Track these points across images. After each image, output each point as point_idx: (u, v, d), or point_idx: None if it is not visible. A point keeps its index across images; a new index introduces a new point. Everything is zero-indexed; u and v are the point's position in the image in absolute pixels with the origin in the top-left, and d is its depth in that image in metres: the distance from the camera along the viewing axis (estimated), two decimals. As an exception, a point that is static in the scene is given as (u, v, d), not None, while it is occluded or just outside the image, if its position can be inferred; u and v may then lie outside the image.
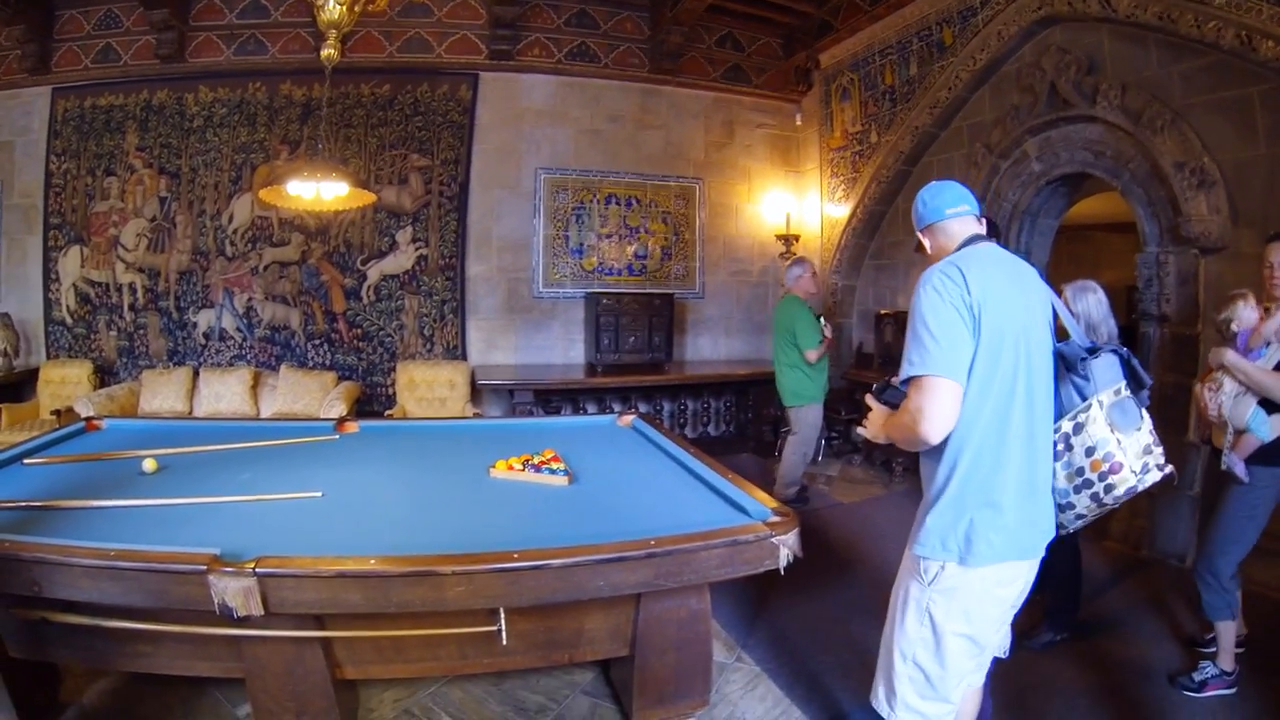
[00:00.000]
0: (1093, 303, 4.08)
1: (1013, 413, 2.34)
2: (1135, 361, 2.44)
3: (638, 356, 8.92)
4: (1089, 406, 2.35)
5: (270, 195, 5.27)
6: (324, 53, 4.55)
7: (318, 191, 4.99)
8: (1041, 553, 2.46)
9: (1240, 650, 4.00)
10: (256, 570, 2.36)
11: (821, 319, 6.83)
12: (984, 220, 2.65)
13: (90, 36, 8.16)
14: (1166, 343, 5.78)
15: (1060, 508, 2.47)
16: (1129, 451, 2.32)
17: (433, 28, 8.63)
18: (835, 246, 9.67)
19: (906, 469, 7.70)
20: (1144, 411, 2.41)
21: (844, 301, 9.71)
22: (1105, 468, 2.32)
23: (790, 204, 10.22)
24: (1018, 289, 2.43)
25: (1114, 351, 2.44)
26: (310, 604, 2.45)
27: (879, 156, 8.80)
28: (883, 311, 8.73)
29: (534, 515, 3.11)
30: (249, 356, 8.51)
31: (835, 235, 9.69)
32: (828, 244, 9.91)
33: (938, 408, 2.28)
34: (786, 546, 2.72)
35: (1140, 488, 2.35)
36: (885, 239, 9.29)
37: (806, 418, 7.01)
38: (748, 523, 2.87)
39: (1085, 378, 2.38)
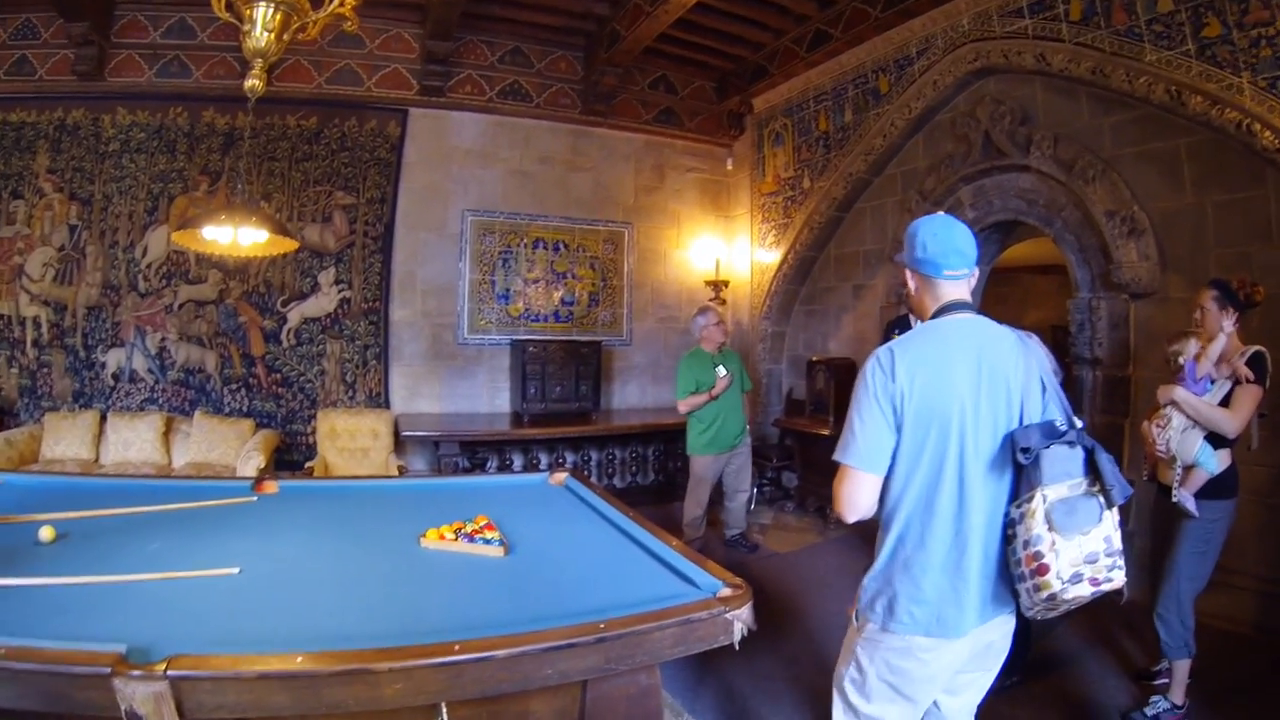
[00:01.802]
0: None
1: (939, 495, 2.42)
2: (1104, 458, 2.29)
3: (565, 405, 9.04)
4: (1031, 498, 2.29)
5: (185, 238, 5.19)
6: (248, 83, 4.40)
7: (235, 236, 4.86)
8: (969, 632, 2.44)
9: (1190, 681, 4.24)
10: (169, 672, 2.10)
11: (719, 366, 6.97)
12: (976, 273, 2.67)
13: (4, 46, 7.91)
14: (1099, 385, 6.22)
15: (1014, 591, 2.44)
16: (1062, 556, 2.23)
17: (364, 59, 8.73)
18: (765, 292, 10.02)
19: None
20: (1106, 515, 2.27)
21: (774, 348, 10.05)
22: (1034, 566, 2.28)
23: (720, 249, 10.55)
24: (966, 369, 2.44)
25: (1079, 444, 2.32)
26: (231, 708, 2.18)
27: (811, 202, 9.19)
28: (814, 358, 8.99)
29: (471, 592, 2.98)
30: (161, 400, 8.25)
31: (765, 281, 10.05)
32: (758, 290, 10.25)
33: (851, 495, 2.49)
34: (741, 620, 2.68)
35: (1066, 598, 2.26)
36: (817, 285, 9.66)
37: (693, 468, 7.25)
38: (700, 598, 2.79)
39: (1034, 466, 2.32)
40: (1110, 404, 6.13)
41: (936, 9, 7.27)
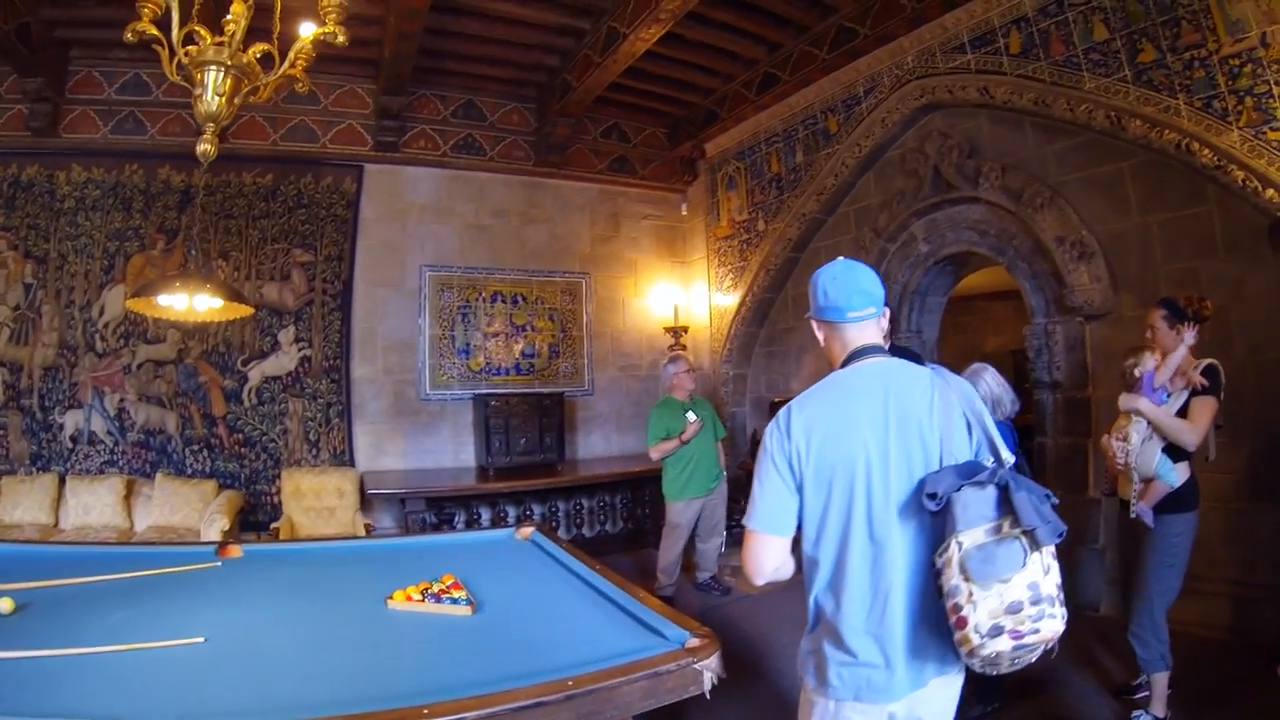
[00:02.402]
0: (991, 382, 4.60)
1: (850, 553, 2.33)
2: (1021, 497, 2.09)
3: (530, 458, 9.09)
4: (948, 547, 2.14)
5: (140, 305, 5.20)
6: (200, 148, 4.32)
7: (190, 303, 4.90)
8: (903, 696, 2.31)
9: (1170, 692, 4.33)
10: None
11: (689, 412, 7.10)
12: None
13: None
14: (1060, 408, 6.40)
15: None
16: (980, 607, 2.06)
17: (318, 115, 8.83)
18: (725, 336, 10.17)
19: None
20: (1033, 559, 2.07)
21: (736, 390, 10.17)
22: (954, 619, 2.12)
23: (678, 295, 10.69)
24: (870, 417, 2.37)
25: (991, 483, 2.16)
26: None
27: (767, 244, 9.39)
28: (776, 399, 9.10)
29: (439, 654, 2.99)
30: (121, 463, 8.06)
31: (724, 324, 10.20)
32: (717, 333, 10.41)
33: (754, 558, 2.44)
34: (710, 670, 2.73)
35: (984, 653, 2.08)
36: (775, 326, 9.83)
37: (669, 514, 7.34)
38: (667, 650, 2.82)
39: (947, 512, 2.17)
40: (1071, 425, 6.31)
41: (881, 48, 7.53)
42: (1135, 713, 4.34)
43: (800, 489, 2.40)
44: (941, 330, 8.46)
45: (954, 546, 2.10)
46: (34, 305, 7.97)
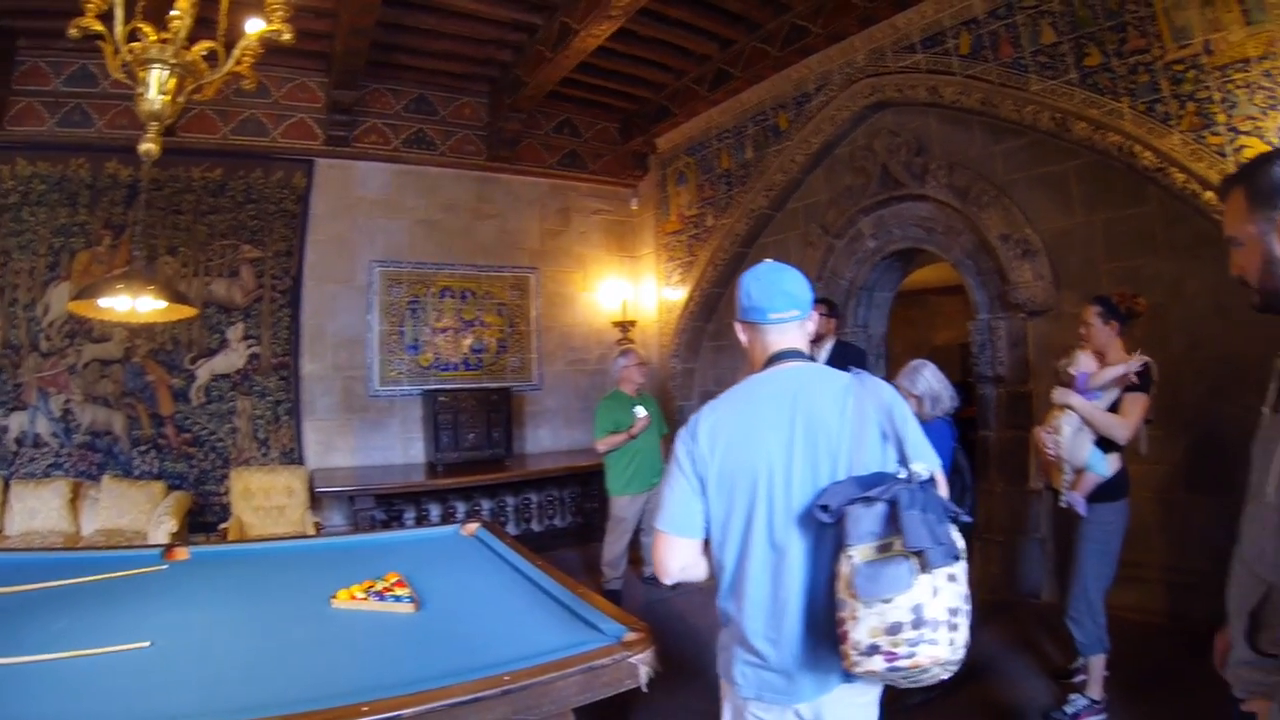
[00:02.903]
0: (930, 378, 4.74)
1: (750, 559, 2.36)
2: (910, 516, 2.05)
3: (478, 453, 9.16)
4: (839, 560, 2.14)
5: (82, 308, 5.09)
6: (143, 146, 4.23)
7: (133, 306, 4.78)
8: (804, 701, 2.33)
9: (1106, 675, 4.51)
10: None
11: (638, 408, 7.19)
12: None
13: None
14: (1003, 401, 6.60)
15: None
16: (861, 625, 2.04)
17: (269, 109, 8.72)
18: (673, 330, 10.26)
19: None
20: (921, 581, 2.03)
21: (684, 385, 10.25)
22: (840, 632, 2.11)
23: (626, 290, 10.80)
24: (776, 424, 2.38)
25: (881, 500, 2.12)
26: None
27: (715, 239, 9.49)
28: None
29: (381, 652, 3.03)
30: (67, 465, 7.85)
31: (673, 319, 10.30)
32: (665, 328, 10.51)
33: (661, 558, 2.49)
34: (645, 664, 2.77)
35: (859, 670, 2.08)
36: (723, 321, 9.83)
37: (612, 508, 7.43)
38: (603, 644, 2.88)
39: (841, 526, 2.15)
40: (1013, 418, 6.49)
41: (833, 46, 7.67)
42: (1072, 695, 4.50)
43: (704, 493, 2.45)
44: (891, 325, 8.64)
45: (844, 561, 2.11)
46: None
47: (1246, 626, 1.89)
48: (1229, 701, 1.97)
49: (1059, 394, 4.53)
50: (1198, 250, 5.32)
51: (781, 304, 2.52)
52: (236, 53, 4.31)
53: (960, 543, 2.11)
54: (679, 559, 2.48)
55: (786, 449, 2.34)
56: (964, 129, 6.78)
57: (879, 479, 2.19)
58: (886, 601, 2.00)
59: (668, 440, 7.70)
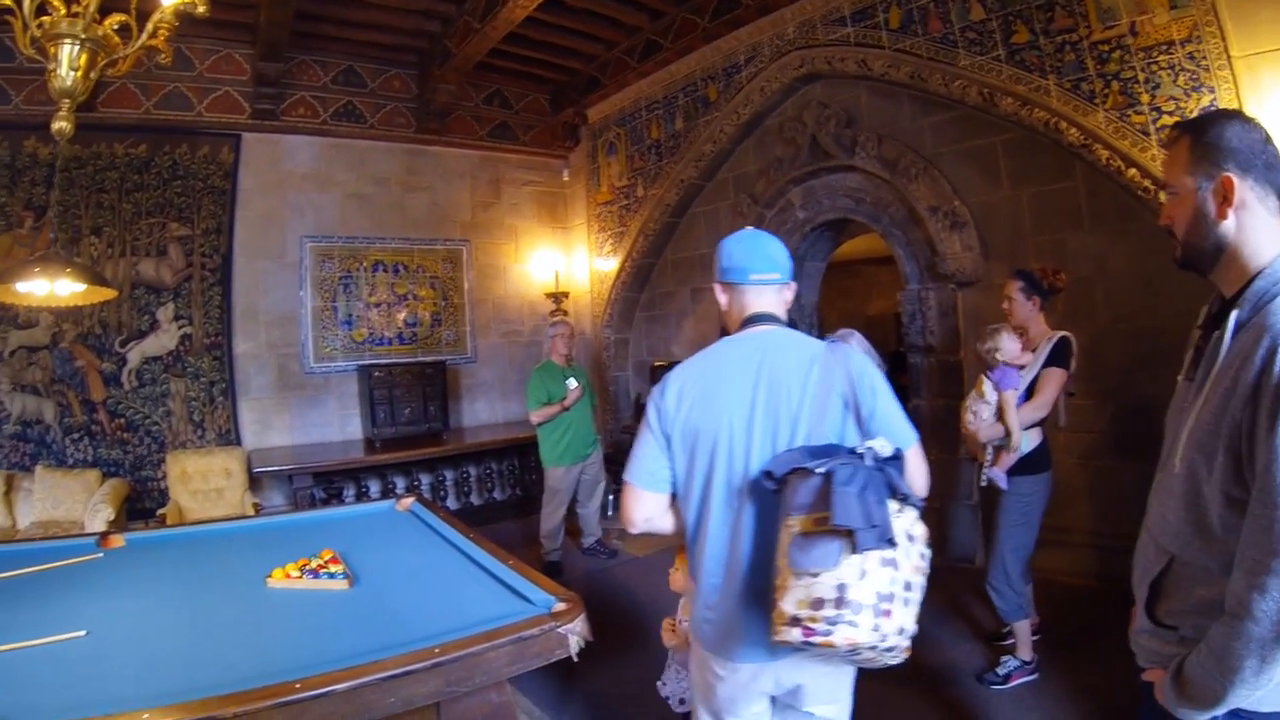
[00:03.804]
0: (855, 346, 4.82)
1: (707, 519, 2.43)
2: (842, 494, 2.02)
3: (415, 428, 9.12)
4: (781, 528, 2.14)
5: None
6: (55, 125, 4.04)
7: (51, 289, 4.63)
8: (755, 662, 2.37)
9: (1036, 638, 4.68)
10: None
11: (570, 379, 7.25)
12: (792, 287, 2.67)
13: None
14: (934, 370, 6.72)
15: None
16: (789, 595, 2.05)
17: (193, 82, 8.47)
18: (606, 300, 10.31)
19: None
20: (850, 560, 2.00)
21: (618, 355, 10.33)
22: (772, 598, 2.14)
23: (559, 261, 10.79)
24: (740, 386, 2.41)
25: (818, 473, 2.10)
26: None
27: (646, 210, 9.51)
28: (657, 363, 9.35)
29: (316, 629, 3.04)
30: None
31: (605, 289, 10.34)
32: (598, 298, 10.54)
33: (626, 508, 2.56)
34: (575, 634, 2.80)
35: (779, 639, 2.08)
36: (655, 290, 10.00)
37: (548, 480, 7.48)
38: (532, 614, 2.91)
39: (783, 495, 2.17)
40: (944, 388, 6.62)
41: (763, 18, 7.66)
42: (1004, 658, 4.63)
43: (669, 449, 2.50)
44: (824, 295, 8.72)
45: (784, 529, 2.11)
46: None
47: (1147, 597, 1.95)
48: (1136, 672, 2.02)
49: (987, 389, 4.56)
50: (1122, 225, 5.45)
51: (762, 266, 2.58)
52: (150, 26, 4.09)
53: (917, 528, 2.14)
54: (643, 511, 2.54)
55: (747, 412, 2.38)
56: (893, 102, 6.84)
57: (829, 450, 2.20)
58: (813, 575, 2.00)
59: (604, 408, 7.74)
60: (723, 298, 2.67)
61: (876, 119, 6.99)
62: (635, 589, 6.65)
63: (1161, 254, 5.15)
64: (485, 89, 10.25)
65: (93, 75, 4.07)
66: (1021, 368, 4.52)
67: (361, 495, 8.75)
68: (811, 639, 2.00)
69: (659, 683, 3.45)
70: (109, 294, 5.11)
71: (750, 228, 2.77)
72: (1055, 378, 4.45)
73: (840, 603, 1.97)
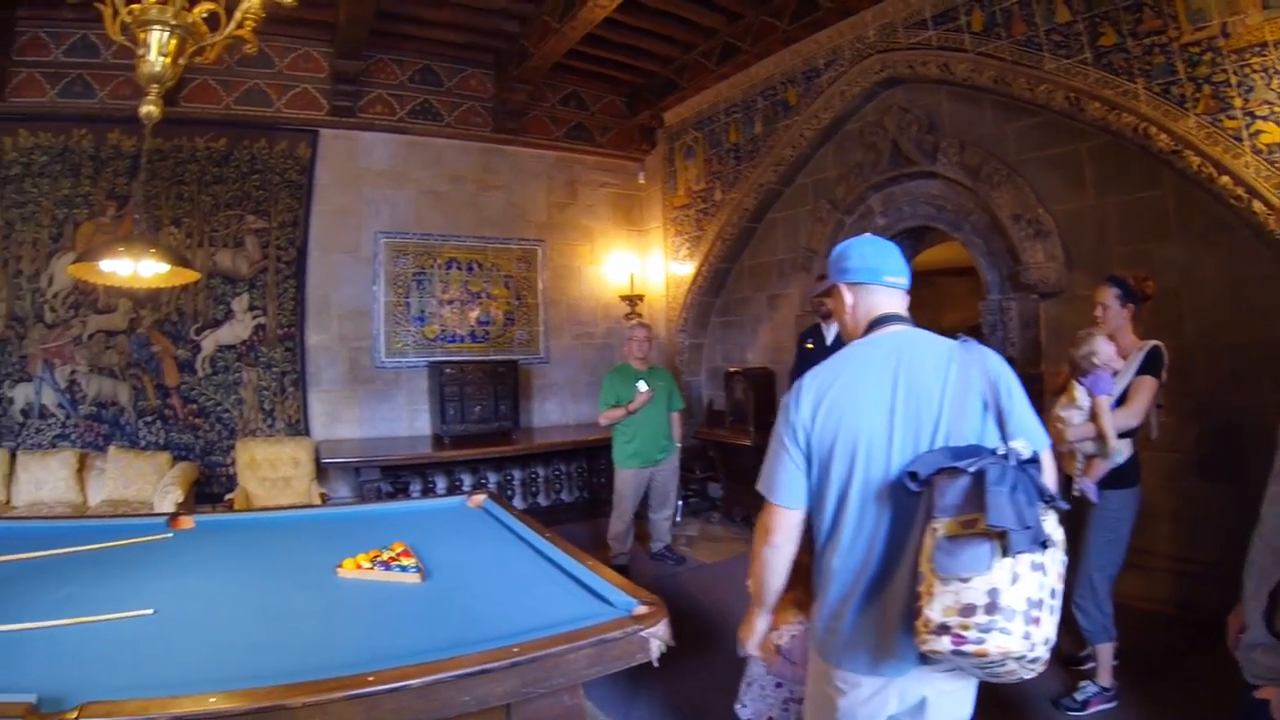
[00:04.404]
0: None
1: (843, 528, 2.33)
2: (996, 493, 1.94)
3: (485, 426, 9.04)
4: (925, 533, 2.05)
5: (82, 271, 4.98)
6: (143, 109, 4.12)
7: (135, 269, 4.69)
8: (885, 675, 2.25)
9: (1116, 663, 4.44)
10: None
11: (640, 381, 7.09)
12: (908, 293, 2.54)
13: None
14: (1014, 385, 6.44)
15: None
16: (935, 601, 1.95)
17: (273, 79, 8.58)
18: (681, 305, 10.17)
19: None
20: (1002, 564, 1.91)
21: (692, 360, 10.19)
22: (915, 606, 2.03)
23: (633, 264, 10.65)
24: (877, 391, 2.32)
25: (968, 472, 2.02)
26: None
27: (724, 214, 9.36)
28: (732, 369, 9.14)
29: (388, 622, 2.96)
30: (73, 436, 7.81)
31: (680, 294, 10.20)
32: (673, 303, 10.41)
33: (764, 525, 2.49)
34: (657, 638, 2.69)
35: (926, 649, 2.00)
36: (731, 295, 9.84)
37: (617, 482, 7.35)
38: (614, 617, 2.80)
39: (929, 496, 2.09)
40: (1025, 401, 6.35)
41: (843, 21, 7.49)
42: (1082, 683, 4.42)
43: (806, 460, 2.40)
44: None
45: (928, 533, 2.02)
46: None
47: (1266, 607, 1.78)
48: (1238, 689, 1.86)
49: (1080, 394, 4.34)
50: (1212, 235, 5.20)
51: (895, 269, 2.52)
52: (238, 15, 4.17)
53: (1057, 533, 2.00)
54: (784, 530, 2.46)
55: (887, 416, 2.29)
56: (975, 107, 6.62)
57: (973, 451, 2.11)
58: (963, 581, 1.91)
59: (683, 415, 7.59)
60: (848, 297, 2.57)
61: (958, 124, 6.78)
62: (702, 597, 6.50)
63: (1254, 265, 4.98)
64: (562, 90, 10.18)
65: (180, 62, 4.11)
66: (1115, 374, 4.31)
67: (428, 491, 8.68)
68: (963, 647, 1.91)
69: (738, 705, 3.33)
70: (192, 276, 5.17)
71: (869, 235, 2.70)
72: (1148, 386, 4.25)
73: (992, 609, 1.88)
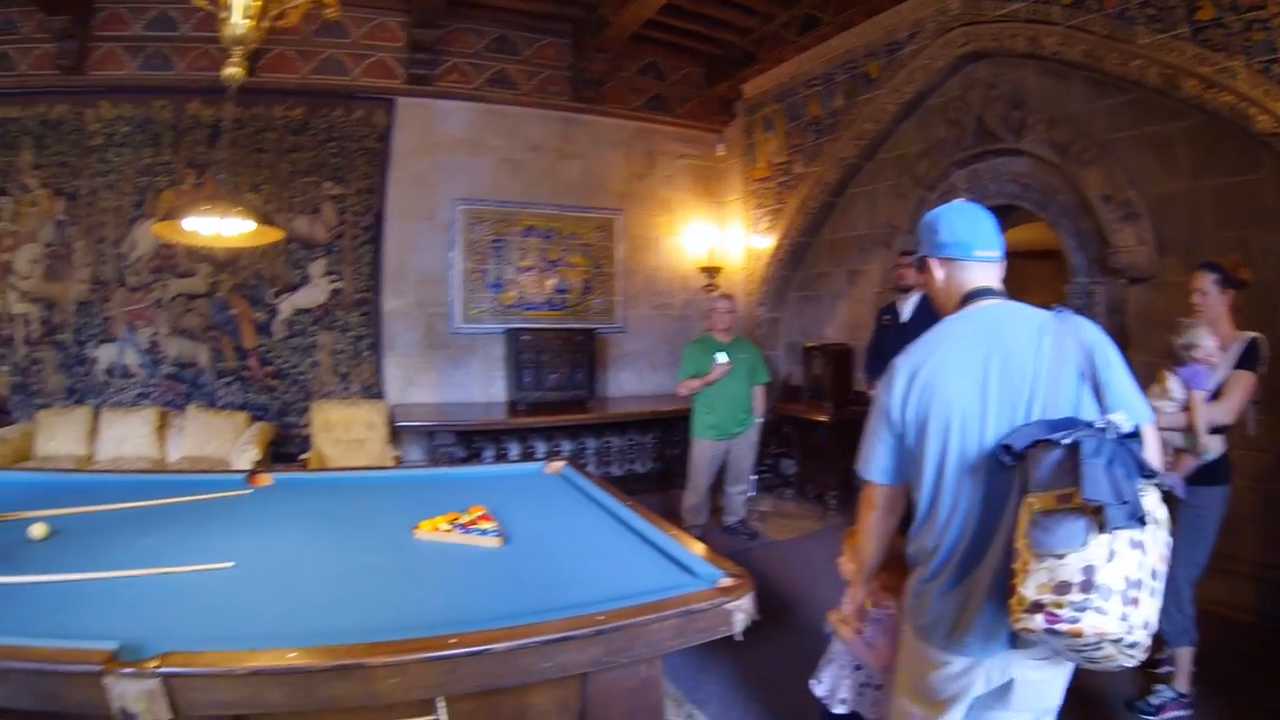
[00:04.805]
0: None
1: (938, 505, 2.30)
2: (1092, 465, 1.86)
3: (560, 394, 9.01)
4: (1021, 507, 2.00)
5: (166, 230, 5.16)
6: (227, 71, 4.24)
7: (218, 228, 4.81)
8: (973, 656, 2.20)
9: (1193, 669, 4.22)
10: (160, 670, 2.04)
11: (720, 353, 6.97)
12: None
13: None
14: (1098, 372, 6.16)
15: None
16: (1031, 578, 1.89)
17: (348, 49, 8.59)
18: (760, 278, 9.98)
19: (841, 502, 7.88)
20: (1097, 540, 1.83)
21: (769, 334, 9.99)
22: (1011, 583, 1.98)
23: (712, 235, 10.44)
24: (971, 365, 2.26)
25: (1064, 444, 1.95)
26: (223, 705, 2.13)
27: (804, 188, 9.12)
28: (810, 344, 8.95)
29: (467, 585, 2.90)
30: (154, 395, 8.14)
31: (759, 267, 10.00)
32: (751, 276, 10.21)
33: (864, 500, 2.56)
34: (743, 611, 2.61)
35: (1020, 627, 1.93)
36: (811, 270, 9.62)
37: (693, 453, 7.28)
38: (699, 588, 2.72)
39: (1024, 470, 2.05)
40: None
41: (927, -8, 7.19)
42: (1158, 687, 4.23)
43: (900, 439, 2.40)
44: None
45: (1024, 508, 1.97)
46: (66, 242, 7.94)
47: None
48: None
49: (1176, 386, 4.12)
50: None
51: (986, 242, 2.46)
52: None
53: (1160, 511, 1.93)
54: (876, 503, 2.53)
55: (980, 391, 2.24)
56: (1064, 83, 6.29)
57: (1068, 424, 2.04)
58: (1058, 557, 1.85)
59: (767, 388, 7.52)
60: (939, 273, 2.52)
61: (1046, 100, 6.45)
62: (774, 573, 6.41)
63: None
64: (639, 60, 9.99)
65: (263, 24, 4.16)
66: (1212, 367, 4.08)
67: (500, 457, 8.66)
68: (1056, 625, 1.83)
69: (813, 681, 3.32)
70: (276, 234, 5.34)
71: (961, 200, 2.62)
72: (1245, 381, 4.01)
73: (1088, 586, 1.81)
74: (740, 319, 8.45)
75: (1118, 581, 1.80)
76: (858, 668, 3.15)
